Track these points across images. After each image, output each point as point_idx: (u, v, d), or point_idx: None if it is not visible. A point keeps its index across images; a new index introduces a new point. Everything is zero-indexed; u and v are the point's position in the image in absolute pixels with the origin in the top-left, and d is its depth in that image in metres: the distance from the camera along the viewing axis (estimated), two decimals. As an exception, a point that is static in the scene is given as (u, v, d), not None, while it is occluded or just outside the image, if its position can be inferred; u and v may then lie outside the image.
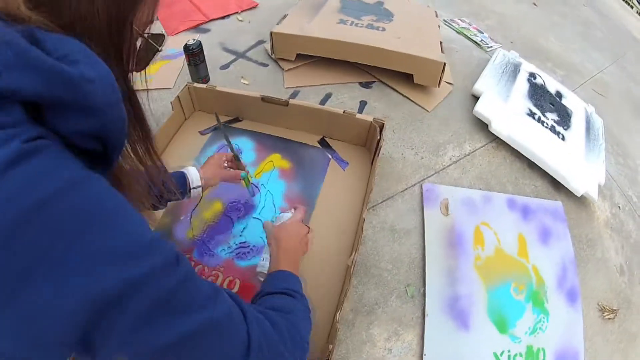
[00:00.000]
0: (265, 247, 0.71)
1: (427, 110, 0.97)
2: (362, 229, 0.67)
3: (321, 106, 0.83)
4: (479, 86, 1.06)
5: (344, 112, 0.81)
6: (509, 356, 0.66)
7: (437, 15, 1.27)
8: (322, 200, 0.79)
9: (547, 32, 1.53)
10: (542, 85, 1.14)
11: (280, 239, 0.59)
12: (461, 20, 1.44)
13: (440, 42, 1.06)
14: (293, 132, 0.91)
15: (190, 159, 0.88)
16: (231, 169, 0.73)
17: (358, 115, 0.80)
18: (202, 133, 0.93)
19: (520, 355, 0.66)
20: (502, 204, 0.84)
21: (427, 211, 0.79)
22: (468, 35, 1.35)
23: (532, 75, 1.17)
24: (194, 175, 0.67)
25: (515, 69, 1.17)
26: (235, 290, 0.70)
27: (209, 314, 0.28)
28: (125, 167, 0.33)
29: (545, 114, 1.03)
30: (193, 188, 0.67)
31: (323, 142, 0.88)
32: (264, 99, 0.85)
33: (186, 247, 0.75)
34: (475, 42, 1.32)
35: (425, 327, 0.66)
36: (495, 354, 0.66)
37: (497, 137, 0.93)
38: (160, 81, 1.06)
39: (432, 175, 0.85)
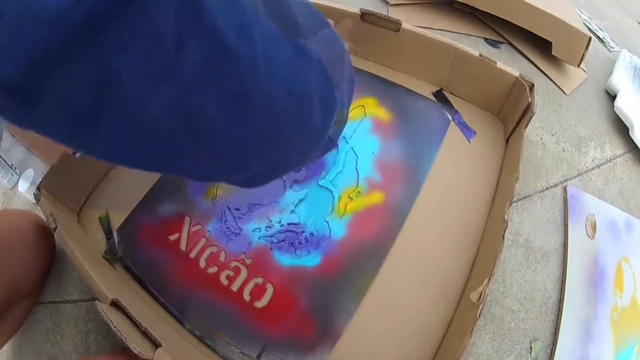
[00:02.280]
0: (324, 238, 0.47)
1: (565, 93, 0.75)
2: (503, 238, 0.40)
3: (448, 40, 0.57)
4: (615, 82, 0.84)
5: (480, 56, 0.55)
6: None
7: (566, -7, 1.04)
8: (435, 177, 0.52)
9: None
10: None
11: None
12: (581, 12, 1.21)
13: (580, 16, 0.84)
14: (399, 74, 0.64)
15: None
16: None
17: (500, 65, 0.54)
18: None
19: None
20: (645, 236, 0.62)
21: (571, 228, 0.56)
22: (591, 28, 1.12)
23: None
24: None
25: (648, 77, 0.95)
26: (264, 303, 0.43)
27: None
28: None
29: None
30: None
31: (440, 96, 0.62)
32: (366, 17, 0.59)
33: (201, 212, 0.50)
34: (599, 38, 1.09)
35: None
36: None
37: (636, 147, 0.72)
38: None
39: (575, 177, 0.63)
